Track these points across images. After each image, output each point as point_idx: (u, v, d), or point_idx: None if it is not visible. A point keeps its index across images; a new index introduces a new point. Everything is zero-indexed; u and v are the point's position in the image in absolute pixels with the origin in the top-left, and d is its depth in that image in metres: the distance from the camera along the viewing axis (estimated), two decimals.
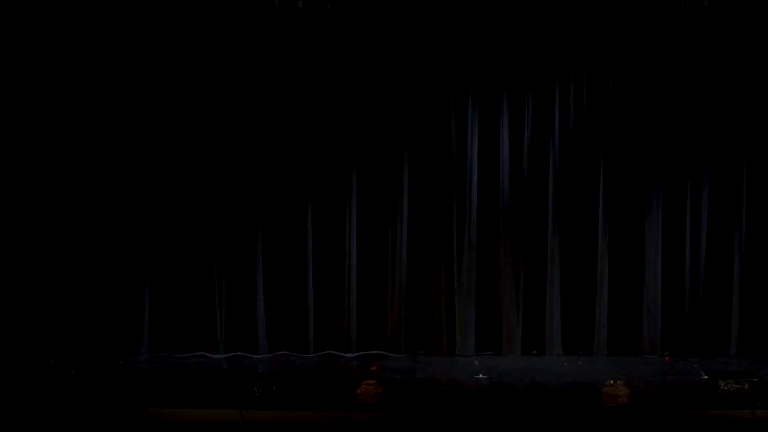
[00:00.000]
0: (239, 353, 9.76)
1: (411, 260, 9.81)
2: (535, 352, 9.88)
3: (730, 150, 9.77)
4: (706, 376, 8.69)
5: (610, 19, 9.66)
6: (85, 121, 9.63)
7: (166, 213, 9.70)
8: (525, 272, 9.83)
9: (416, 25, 9.74)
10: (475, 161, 9.83)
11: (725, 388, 8.02)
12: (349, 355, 9.74)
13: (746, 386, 8.00)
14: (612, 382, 8.14)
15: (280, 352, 9.79)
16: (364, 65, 9.77)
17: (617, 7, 9.61)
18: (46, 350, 9.47)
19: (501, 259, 9.83)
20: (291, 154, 9.77)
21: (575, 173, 9.84)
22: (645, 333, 9.81)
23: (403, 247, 9.79)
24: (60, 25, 9.55)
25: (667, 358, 9.73)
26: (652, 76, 9.73)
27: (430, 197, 9.91)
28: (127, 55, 9.63)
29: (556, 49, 9.76)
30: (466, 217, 9.81)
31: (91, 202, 9.63)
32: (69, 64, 9.59)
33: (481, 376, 9.07)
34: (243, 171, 9.74)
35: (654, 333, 9.79)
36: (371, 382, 8.14)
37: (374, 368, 9.19)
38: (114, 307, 9.65)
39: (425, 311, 9.86)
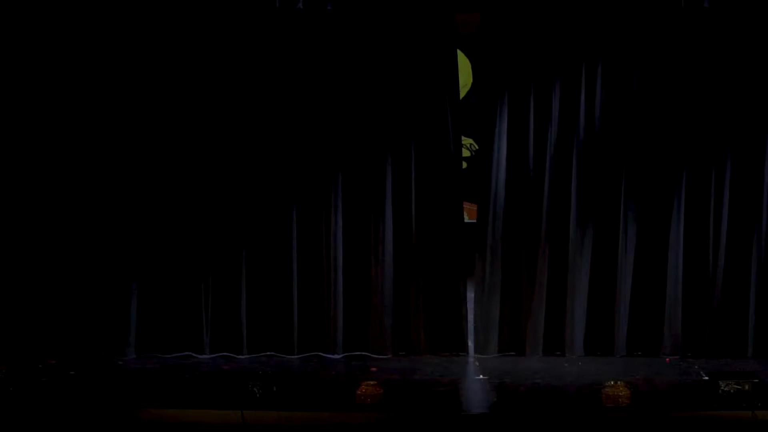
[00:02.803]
0: (225, 353, 9.72)
1: (396, 264, 9.75)
2: (558, 353, 9.76)
3: (753, 147, 9.63)
4: (706, 377, 8.69)
5: (627, 13, 9.57)
6: (74, 124, 9.56)
7: (152, 213, 9.63)
8: (548, 272, 9.71)
9: (417, 26, 9.72)
10: (503, 158, 9.70)
11: (726, 388, 8.02)
12: (335, 356, 9.70)
13: (747, 387, 8.00)
14: (612, 382, 8.15)
15: (268, 353, 9.75)
16: (365, 66, 9.74)
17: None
18: (34, 350, 9.45)
19: (523, 259, 9.77)
20: (283, 157, 9.68)
21: (597, 171, 9.70)
22: (666, 334, 9.73)
23: (387, 250, 9.74)
24: (59, 23, 9.53)
25: (668, 358, 9.71)
26: (674, 71, 9.60)
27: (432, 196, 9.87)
28: (121, 55, 9.58)
29: (569, 45, 9.64)
30: (489, 216, 9.73)
31: (79, 203, 9.59)
32: (63, 63, 9.54)
33: (481, 376, 9.08)
34: (230, 174, 9.66)
35: (675, 334, 9.70)
36: (371, 382, 8.16)
37: (374, 369, 9.21)
38: (101, 308, 9.62)
39: (405, 314, 9.80)
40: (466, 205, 10.06)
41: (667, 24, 9.57)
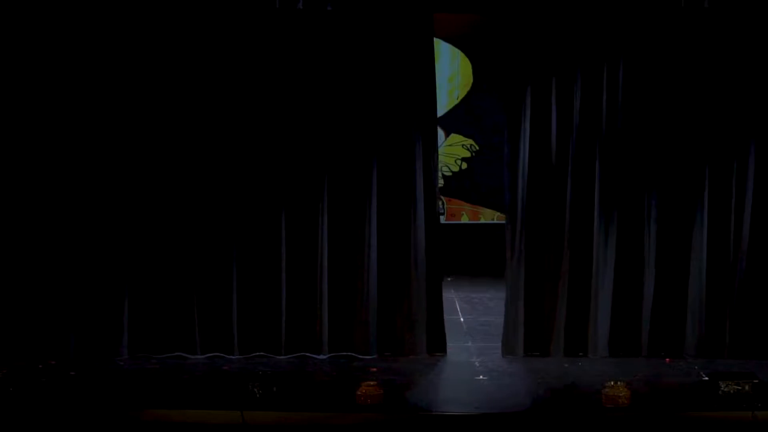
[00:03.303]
0: (217, 353, 9.71)
1: (381, 266, 9.76)
2: (581, 354, 9.72)
3: None
4: (706, 378, 8.69)
5: (646, 11, 9.55)
6: (70, 125, 9.52)
7: (144, 216, 9.60)
8: (572, 273, 9.68)
9: (417, 28, 9.71)
10: (526, 158, 9.66)
11: (726, 389, 8.03)
12: (321, 356, 9.71)
13: (747, 387, 8.01)
14: (612, 383, 8.16)
15: (259, 353, 9.74)
16: (359, 68, 9.71)
17: None
18: (29, 351, 9.43)
19: (546, 260, 9.72)
20: (273, 161, 9.66)
21: (620, 171, 9.66)
22: (689, 334, 9.68)
23: (372, 253, 9.76)
24: (58, 22, 9.51)
25: (668, 359, 9.70)
26: (694, 69, 9.58)
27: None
28: (119, 54, 9.54)
29: (589, 45, 9.61)
30: (517, 217, 9.71)
31: (73, 206, 9.58)
32: (60, 62, 9.50)
33: (481, 377, 9.08)
34: (221, 177, 9.63)
35: (698, 334, 9.65)
36: (371, 383, 8.16)
37: (374, 369, 9.21)
38: (95, 309, 9.61)
39: (390, 315, 9.81)
40: (468, 206, 10.05)
41: (683, 22, 9.57)
